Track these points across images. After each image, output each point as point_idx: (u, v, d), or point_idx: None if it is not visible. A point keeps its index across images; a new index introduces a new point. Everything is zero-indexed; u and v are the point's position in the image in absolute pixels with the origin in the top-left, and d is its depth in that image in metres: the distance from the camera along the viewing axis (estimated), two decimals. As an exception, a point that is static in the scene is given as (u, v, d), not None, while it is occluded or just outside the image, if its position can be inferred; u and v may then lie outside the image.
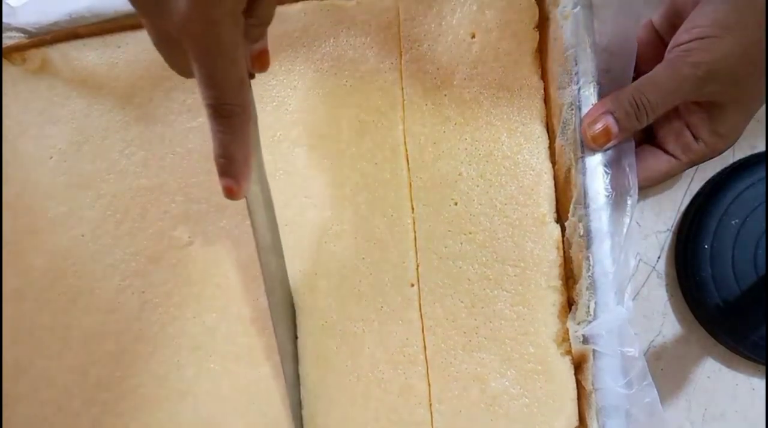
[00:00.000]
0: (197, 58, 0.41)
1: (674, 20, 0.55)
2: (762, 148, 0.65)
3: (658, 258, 0.66)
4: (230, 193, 0.47)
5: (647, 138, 0.59)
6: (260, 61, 0.51)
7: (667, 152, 0.56)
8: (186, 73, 0.45)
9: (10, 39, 0.66)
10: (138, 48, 0.65)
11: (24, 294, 0.64)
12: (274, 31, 0.63)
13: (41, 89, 0.67)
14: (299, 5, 0.64)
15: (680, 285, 0.65)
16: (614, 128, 0.53)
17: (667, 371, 0.65)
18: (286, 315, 0.60)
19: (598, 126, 0.53)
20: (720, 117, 0.53)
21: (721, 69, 0.51)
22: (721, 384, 0.64)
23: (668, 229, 0.66)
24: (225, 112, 0.44)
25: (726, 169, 0.65)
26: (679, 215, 0.66)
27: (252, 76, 0.51)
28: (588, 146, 0.54)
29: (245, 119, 0.45)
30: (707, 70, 0.51)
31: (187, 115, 0.64)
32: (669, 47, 0.53)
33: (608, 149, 0.54)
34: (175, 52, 0.44)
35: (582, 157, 0.54)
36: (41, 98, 0.67)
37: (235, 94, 0.44)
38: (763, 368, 0.64)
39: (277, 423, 0.59)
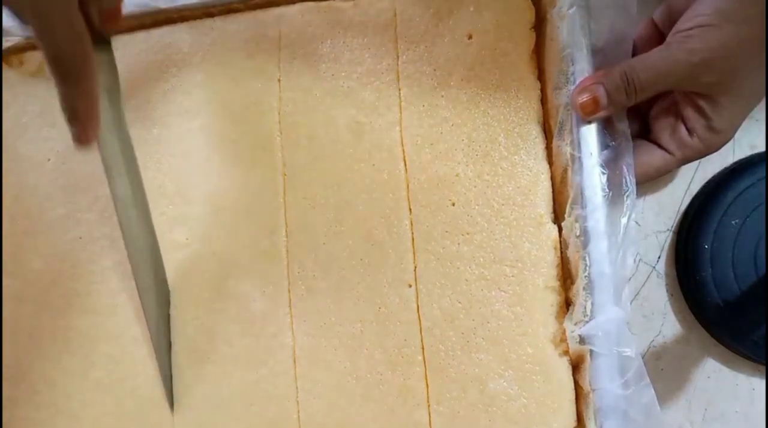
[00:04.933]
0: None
1: (676, 16, 0.55)
2: (762, 147, 0.65)
3: (658, 258, 0.66)
4: (77, 141, 0.49)
5: (643, 133, 0.59)
6: (110, 19, 0.51)
7: (661, 147, 0.56)
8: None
9: (8, 41, 0.66)
10: (135, 50, 0.65)
11: (22, 296, 0.65)
12: (270, 32, 0.63)
13: (39, 91, 0.67)
14: (296, 6, 0.64)
15: (680, 285, 0.65)
16: (603, 99, 0.53)
17: (667, 371, 0.65)
18: (154, 284, 0.60)
19: (588, 94, 0.53)
20: (715, 112, 0.53)
21: (717, 58, 0.50)
22: (721, 384, 0.64)
23: (668, 229, 0.66)
24: (60, 63, 0.45)
25: (726, 169, 0.65)
26: (679, 215, 0.66)
27: (106, 36, 0.53)
28: (576, 114, 0.54)
29: (85, 72, 0.46)
30: (703, 57, 0.50)
31: (184, 117, 0.64)
32: (671, 33, 0.53)
33: (595, 120, 0.54)
34: None
35: (579, 157, 0.54)
36: (39, 100, 0.67)
37: (68, 44, 0.44)
38: (763, 368, 0.64)
39: (276, 426, 0.59)
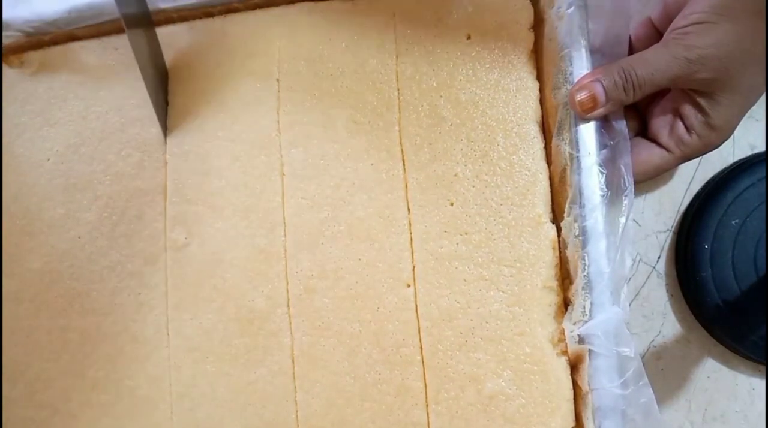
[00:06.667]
0: None
1: (673, 14, 0.55)
2: (762, 147, 0.65)
3: (658, 258, 0.66)
4: None
5: (641, 131, 0.58)
6: None
7: (660, 145, 0.56)
8: None
9: (8, 39, 0.66)
10: (135, 50, 0.65)
11: (21, 296, 0.65)
12: (270, 32, 0.63)
13: (39, 91, 0.67)
14: (296, 6, 0.64)
15: (680, 285, 0.65)
16: (601, 97, 0.53)
17: (667, 371, 0.65)
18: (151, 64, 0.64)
19: (586, 92, 0.53)
20: (714, 109, 0.53)
21: (713, 55, 0.51)
22: (721, 384, 0.64)
23: (668, 229, 0.66)
24: None
25: (726, 169, 0.65)
26: (679, 215, 0.66)
27: None
28: (575, 112, 0.54)
29: None
30: (699, 54, 0.51)
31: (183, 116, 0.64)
32: (668, 31, 0.54)
33: (594, 118, 0.54)
34: None
35: (577, 157, 0.54)
36: (38, 100, 0.67)
37: None
38: (763, 368, 0.64)
39: (274, 425, 0.59)
